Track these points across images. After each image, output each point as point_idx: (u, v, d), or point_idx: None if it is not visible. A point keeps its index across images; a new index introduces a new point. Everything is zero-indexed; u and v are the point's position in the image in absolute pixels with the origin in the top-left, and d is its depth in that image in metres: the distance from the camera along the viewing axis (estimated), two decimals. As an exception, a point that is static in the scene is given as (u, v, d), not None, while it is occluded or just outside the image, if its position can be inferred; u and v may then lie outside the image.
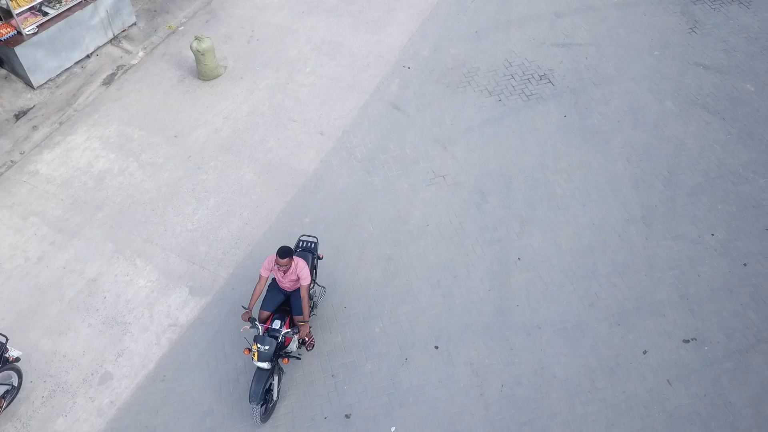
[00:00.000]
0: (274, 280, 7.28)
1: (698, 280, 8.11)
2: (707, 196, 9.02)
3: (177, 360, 7.72)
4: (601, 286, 8.10)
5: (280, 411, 7.14)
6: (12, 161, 10.03)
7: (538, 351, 7.56)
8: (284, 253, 6.68)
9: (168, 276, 8.49)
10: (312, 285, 7.59)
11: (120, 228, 9.05)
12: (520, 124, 10.15)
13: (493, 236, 8.69)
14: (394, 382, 7.39)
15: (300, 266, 6.90)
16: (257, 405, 6.66)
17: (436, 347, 7.66)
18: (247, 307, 7.28)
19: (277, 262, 6.74)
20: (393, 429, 7.04)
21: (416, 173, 9.54)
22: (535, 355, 7.53)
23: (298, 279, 6.95)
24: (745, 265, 8.24)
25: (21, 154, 10.16)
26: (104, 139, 10.26)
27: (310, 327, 7.54)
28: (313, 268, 7.59)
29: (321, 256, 7.80)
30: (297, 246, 7.74)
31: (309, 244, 7.71)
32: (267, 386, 6.75)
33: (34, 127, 10.52)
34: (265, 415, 6.97)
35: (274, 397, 7.02)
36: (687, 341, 7.57)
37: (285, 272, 6.92)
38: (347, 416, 7.14)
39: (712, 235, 8.57)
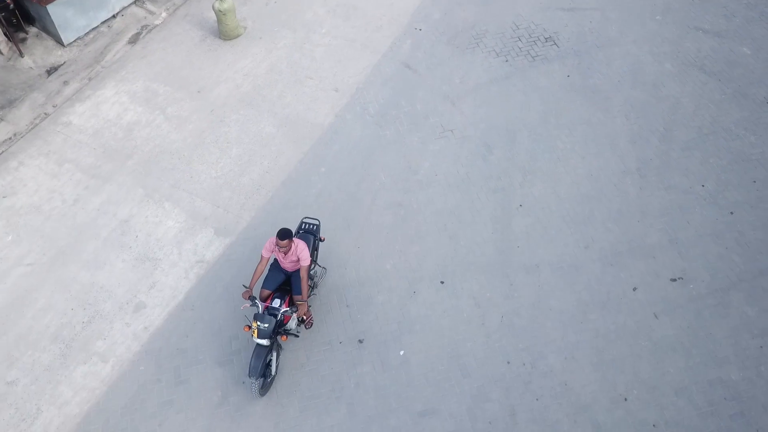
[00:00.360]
0: (275, 260, 7.55)
1: (687, 226, 8.71)
2: (700, 150, 9.57)
3: (204, 292, 8.42)
4: (596, 230, 8.72)
5: (299, 339, 7.84)
6: (46, 113, 10.68)
7: (536, 287, 8.22)
8: (284, 234, 6.92)
9: (194, 218, 9.17)
10: (313, 266, 7.84)
11: (149, 174, 9.71)
12: (526, 83, 10.69)
13: (497, 185, 9.29)
14: (403, 312, 8.08)
15: (300, 248, 7.13)
16: (255, 380, 6.95)
17: (442, 282, 8.32)
18: (247, 286, 7.46)
19: (277, 244, 6.97)
20: (402, 352, 7.74)
21: (426, 127, 10.12)
22: (533, 291, 8.18)
23: (299, 260, 7.19)
24: (731, 213, 8.82)
25: (54, 107, 10.80)
26: (132, 94, 10.88)
27: (310, 306, 7.81)
28: (314, 249, 7.83)
29: (323, 239, 8.04)
30: (299, 228, 7.99)
31: (311, 226, 7.95)
32: (266, 362, 7.03)
33: (65, 82, 11.14)
34: (263, 389, 7.27)
35: (273, 372, 7.32)
36: (674, 280, 8.20)
37: (285, 253, 7.16)
38: (360, 341, 7.84)
39: (703, 186, 9.14)
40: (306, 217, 8.07)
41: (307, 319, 7.69)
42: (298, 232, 7.92)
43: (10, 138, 10.30)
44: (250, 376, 6.87)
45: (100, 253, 8.84)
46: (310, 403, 7.38)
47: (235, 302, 8.28)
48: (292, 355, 7.71)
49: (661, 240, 8.58)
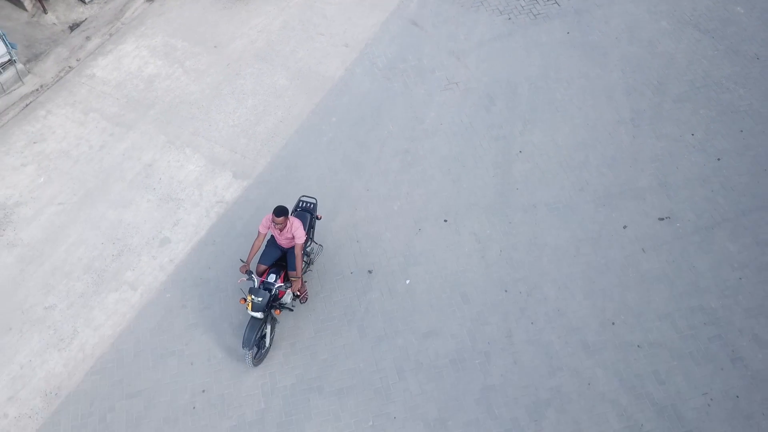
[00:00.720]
0: (272, 236, 7.77)
1: (676, 171, 9.28)
2: (691, 102, 10.10)
3: (225, 228, 9.06)
4: (591, 174, 9.30)
5: (313, 271, 8.48)
6: (70, 66, 11.24)
7: (533, 225, 8.83)
8: (279, 212, 7.13)
9: (214, 162, 9.78)
10: (309, 243, 8.07)
11: (170, 123, 10.30)
12: (527, 39, 11.19)
13: (499, 133, 9.86)
14: (409, 246, 8.71)
15: (295, 225, 7.32)
16: (248, 351, 7.26)
17: (445, 220, 8.94)
18: (244, 260, 7.58)
19: (273, 220, 7.18)
20: (408, 282, 8.38)
21: (432, 80, 10.66)
22: (530, 228, 8.80)
23: (294, 237, 7.38)
24: (719, 159, 9.39)
25: (77, 60, 11.35)
26: (151, 48, 11.42)
27: (305, 282, 8.01)
28: (310, 227, 8.01)
29: (319, 217, 8.20)
30: (297, 206, 8.18)
31: (308, 204, 8.15)
32: (260, 334, 7.32)
33: (88, 38, 11.68)
34: (257, 360, 7.54)
35: (267, 344, 7.59)
36: (662, 219, 8.80)
37: (281, 230, 7.34)
38: (370, 272, 8.49)
39: (692, 135, 9.69)
40: (303, 196, 8.25)
41: (301, 294, 7.90)
42: (296, 210, 8.12)
43: (37, 89, 10.87)
44: (243, 347, 7.16)
45: (126, 194, 9.47)
46: (324, 325, 8.06)
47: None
48: (308, 283, 8.35)
49: (651, 183, 9.16)
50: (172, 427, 7.36)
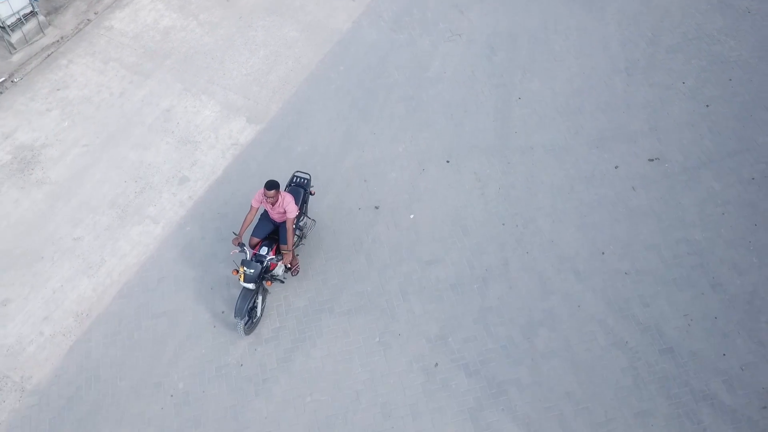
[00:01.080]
0: (265, 210, 7.94)
1: (667, 117, 9.80)
2: (683, 53, 10.57)
3: (240, 168, 9.63)
4: (586, 119, 9.82)
5: (323, 205, 9.06)
6: (88, 19, 11.71)
7: (530, 165, 9.39)
8: (271, 185, 7.32)
9: (228, 108, 10.31)
10: (302, 218, 8.30)
11: (186, 72, 10.81)
12: (528, -6, 11.63)
13: (499, 81, 10.36)
14: (413, 185, 9.28)
15: (287, 200, 7.48)
16: (241, 320, 7.54)
17: (448, 161, 9.50)
18: (237, 233, 7.69)
19: (265, 194, 7.34)
20: (412, 216, 8.97)
21: (436, 32, 11.13)
22: (527, 168, 9.36)
23: (286, 212, 7.55)
24: (707, 106, 9.89)
25: (95, 14, 11.82)
26: (166, 2, 11.87)
27: (297, 255, 8.22)
28: (303, 202, 8.15)
29: (312, 192, 8.32)
30: (291, 181, 8.29)
31: (302, 180, 8.27)
32: (251, 304, 7.57)
33: (105, -8, 12.12)
34: (249, 329, 7.79)
35: (258, 314, 7.85)
36: (651, 160, 9.34)
37: (273, 204, 7.52)
38: (376, 207, 9.08)
39: (683, 83, 10.18)
40: (297, 171, 8.38)
41: (293, 266, 8.11)
42: (290, 185, 8.28)
43: (58, 40, 11.37)
44: (236, 317, 7.45)
45: (146, 137, 10.03)
46: (334, 254, 8.67)
47: (267, 177, 9.47)
48: (316, 219, 8.94)
49: (642, 127, 9.69)
50: (194, 342, 8.02)
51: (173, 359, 7.92)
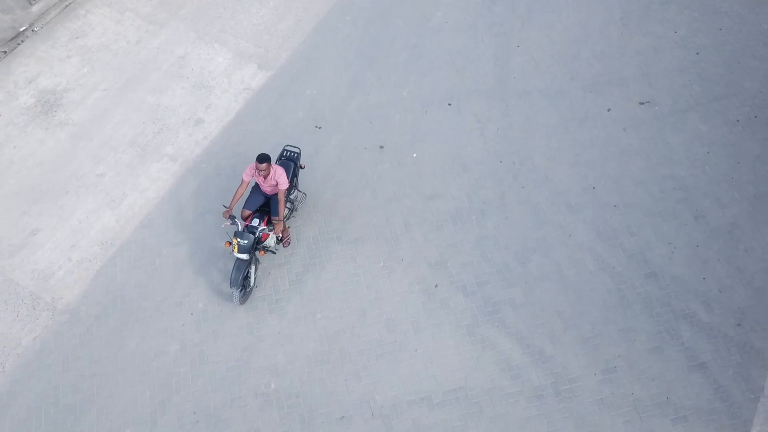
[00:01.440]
0: (257, 183, 8.13)
1: (658, 63, 10.27)
2: (676, 4, 10.99)
3: (252, 111, 10.17)
4: (581, 65, 10.31)
5: (331, 145, 9.60)
6: (104, -28, 12.13)
7: (527, 108, 9.90)
8: (262, 158, 7.51)
9: (240, 56, 10.81)
10: (293, 191, 8.52)
11: (199, 21, 11.28)
12: (528, -52, 12.00)
13: (499, 30, 10.82)
14: (416, 126, 9.81)
15: (278, 173, 7.69)
16: (236, 289, 7.79)
17: (449, 104, 10.01)
18: (227, 206, 7.90)
19: (256, 167, 7.55)
20: (414, 155, 9.52)
21: (438, -16, 11.56)
22: (524, 110, 9.87)
23: (277, 184, 7.79)
24: (697, 53, 10.36)
25: (110, -33, 12.23)
26: (179, -45, 12.28)
27: (288, 227, 8.57)
28: (294, 176, 8.36)
29: (303, 166, 8.57)
30: (281, 155, 8.51)
31: (292, 153, 8.49)
32: (245, 274, 7.80)
33: (119, -54, 12.52)
34: (243, 298, 8.07)
35: (251, 284, 8.13)
36: (642, 103, 9.84)
37: (264, 177, 7.72)
38: (381, 147, 9.63)
39: (675, 32, 10.63)
40: (288, 145, 8.61)
41: (284, 238, 8.38)
42: (280, 159, 8.49)
43: (75, -8, 11.81)
44: (231, 287, 7.68)
45: (163, 82, 10.54)
46: (341, 189, 9.24)
47: (277, 119, 10.03)
48: (324, 157, 9.49)
49: (635, 73, 10.17)
50: (211, 267, 8.63)
51: (192, 282, 8.54)
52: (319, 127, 9.76)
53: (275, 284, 8.45)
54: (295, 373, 7.80)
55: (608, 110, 9.79)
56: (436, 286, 8.35)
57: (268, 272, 8.55)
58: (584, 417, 7.40)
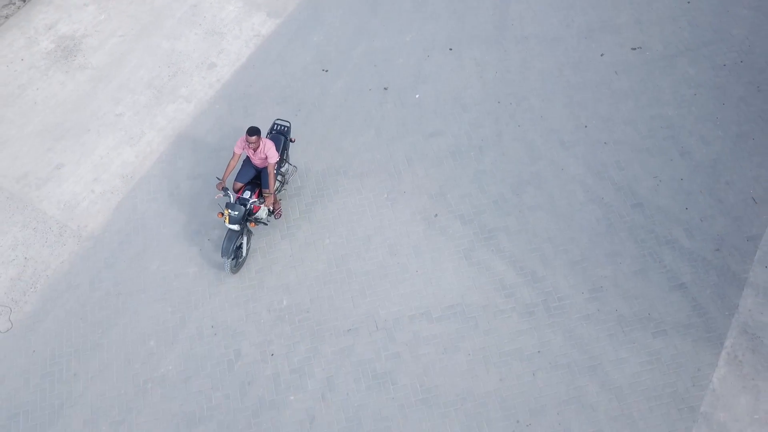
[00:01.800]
0: (248, 157, 8.32)
1: (651, 11, 10.72)
2: (670, -45, 11.40)
3: (262, 56, 10.66)
4: (577, 13, 10.76)
5: (337, 87, 10.12)
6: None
7: (524, 53, 10.39)
8: (252, 131, 7.70)
9: (250, 4, 11.27)
10: (284, 164, 8.71)
11: (210, -28, 11.72)
12: None
13: (498, -20, 11.28)
14: (419, 69, 10.32)
15: (268, 146, 7.87)
16: (228, 259, 8.01)
17: (450, 49, 10.50)
18: (220, 178, 8.11)
19: (246, 140, 7.75)
20: (417, 96, 10.05)
21: (441, -64, 11.95)
22: (522, 55, 10.37)
23: (267, 157, 7.98)
24: (688, 2, 10.80)
25: None
26: None
27: (280, 200, 8.88)
28: (284, 149, 8.59)
29: (293, 139, 8.80)
30: (272, 129, 8.70)
31: (282, 127, 8.72)
32: (237, 244, 8.04)
33: None
34: (235, 268, 8.32)
35: (243, 254, 8.37)
36: (634, 48, 10.33)
37: (255, 150, 7.91)
38: (385, 88, 10.15)
39: (668, -18, 11.07)
40: (278, 119, 8.84)
41: (275, 210, 8.59)
42: (271, 132, 8.68)
43: (89, -57, 12.22)
44: (223, 256, 7.90)
45: (177, 29, 11.03)
46: (347, 127, 9.79)
47: (286, 63, 10.53)
48: (331, 98, 10.02)
49: (628, 20, 10.64)
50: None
51: (208, 212, 9.13)
52: (326, 71, 10.27)
53: (286, 213, 9.05)
54: (306, 291, 8.44)
55: (601, 55, 10.28)
56: (436, 215, 8.94)
57: (280, 202, 9.13)
58: (572, 330, 8.04)
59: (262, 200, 8.02)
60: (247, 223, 8.13)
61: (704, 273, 8.35)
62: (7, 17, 11.15)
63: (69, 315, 8.44)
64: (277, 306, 8.35)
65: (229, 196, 7.98)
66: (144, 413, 7.74)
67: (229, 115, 10.06)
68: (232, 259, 8.21)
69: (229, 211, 7.81)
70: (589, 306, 8.19)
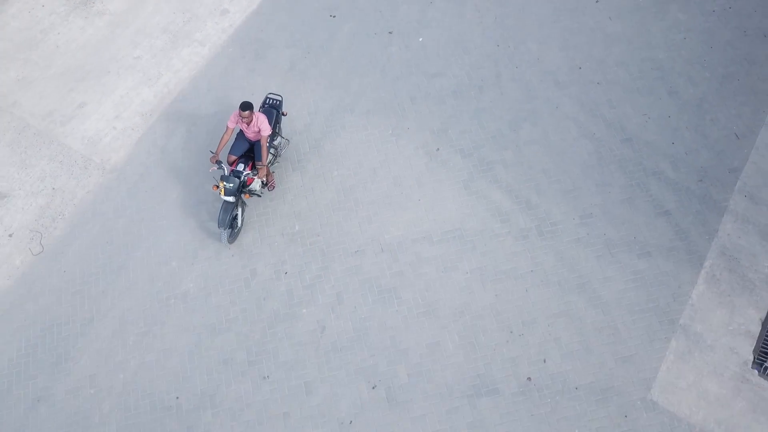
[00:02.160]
0: (241, 130, 8.55)
1: (645, -39, 11.18)
2: None
3: (272, 3, 11.15)
4: (574, -38, 11.22)
5: (344, 32, 10.62)
6: None
7: (523, 0, 10.90)
8: (245, 106, 7.92)
9: (260, -46, 11.72)
10: (276, 137, 8.94)
11: (220, -77, 12.14)
12: None
13: (499, -70, 11.69)
14: (422, 15, 10.80)
15: (260, 120, 8.08)
16: (224, 229, 8.30)
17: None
18: (214, 152, 8.43)
19: (239, 114, 7.98)
20: (420, 39, 10.56)
21: None
22: (520, 2, 10.84)
23: (260, 131, 8.23)
24: (682, -48, 11.25)
25: None
26: None
27: (273, 172, 9.16)
28: (276, 123, 8.83)
29: (285, 113, 9.03)
30: (264, 103, 8.93)
31: (274, 101, 8.93)
32: (232, 215, 8.28)
33: None
34: (231, 238, 8.58)
35: (239, 224, 8.64)
36: (628, -5, 10.82)
37: (248, 124, 8.13)
38: (390, 32, 10.66)
39: (663, -68, 11.48)
40: (270, 93, 9.05)
41: (269, 182, 8.88)
42: (263, 107, 8.88)
43: None
44: (219, 227, 8.19)
45: (190, -23, 11.51)
46: (354, 69, 10.33)
47: (294, 15, 11.02)
48: (338, 42, 10.54)
49: (622, -31, 11.10)
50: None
51: (225, 146, 9.71)
52: (333, 16, 10.77)
53: (296, 148, 9.64)
54: (316, 217, 9.07)
55: (596, 2, 10.76)
56: (438, 149, 9.53)
57: (288, 139, 9.71)
58: (563, 252, 8.68)
59: (255, 172, 8.32)
60: (242, 195, 8.43)
61: (687, 201, 8.96)
62: (27, -35, 11.63)
63: (96, 239, 9.09)
64: (289, 230, 8.99)
65: (224, 169, 8.21)
66: (168, 325, 8.44)
67: (241, 57, 10.60)
68: (228, 229, 8.48)
69: (224, 183, 8.06)
70: (579, 230, 8.81)
